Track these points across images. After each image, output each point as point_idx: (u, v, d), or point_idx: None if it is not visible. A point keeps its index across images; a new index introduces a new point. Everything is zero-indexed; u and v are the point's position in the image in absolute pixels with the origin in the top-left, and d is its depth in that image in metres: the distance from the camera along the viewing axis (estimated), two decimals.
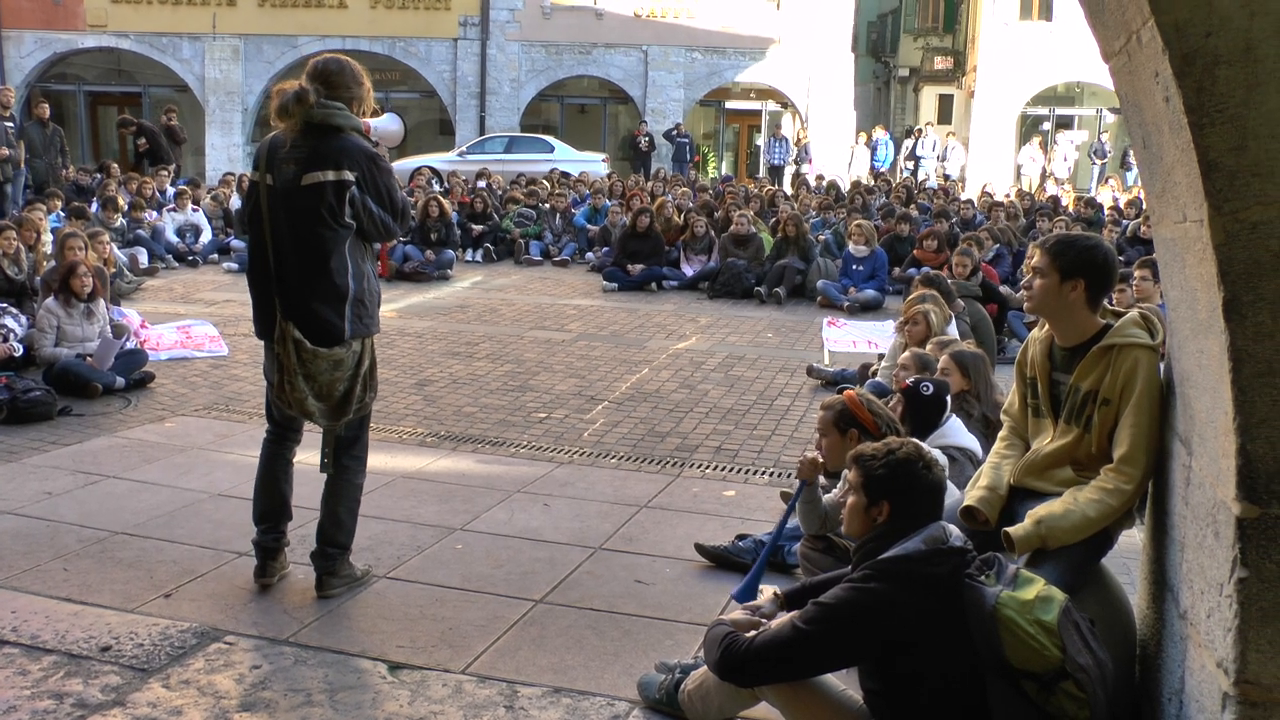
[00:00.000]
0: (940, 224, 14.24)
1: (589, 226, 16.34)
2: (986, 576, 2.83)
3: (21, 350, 8.05)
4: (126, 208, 14.57)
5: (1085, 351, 3.42)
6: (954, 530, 2.96)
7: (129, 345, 8.51)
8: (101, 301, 8.58)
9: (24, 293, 9.26)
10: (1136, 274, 8.14)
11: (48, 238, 11.01)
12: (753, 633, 2.96)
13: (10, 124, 14.60)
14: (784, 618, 2.99)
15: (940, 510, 3.03)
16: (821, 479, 4.42)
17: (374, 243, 4.30)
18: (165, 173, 18.35)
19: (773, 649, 2.89)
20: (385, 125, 4.46)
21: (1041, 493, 3.50)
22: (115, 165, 18.68)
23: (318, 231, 4.05)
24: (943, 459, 3.46)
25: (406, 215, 4.30)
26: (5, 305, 8.47)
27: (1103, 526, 3.32)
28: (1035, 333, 3.69)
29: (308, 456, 4.56)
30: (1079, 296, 3.43)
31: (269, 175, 4.12)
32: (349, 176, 4.04)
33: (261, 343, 4.40)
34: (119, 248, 12.89)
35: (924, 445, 3.20)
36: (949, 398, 4.90)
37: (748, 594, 4.35)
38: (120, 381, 7.84)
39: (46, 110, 16.65)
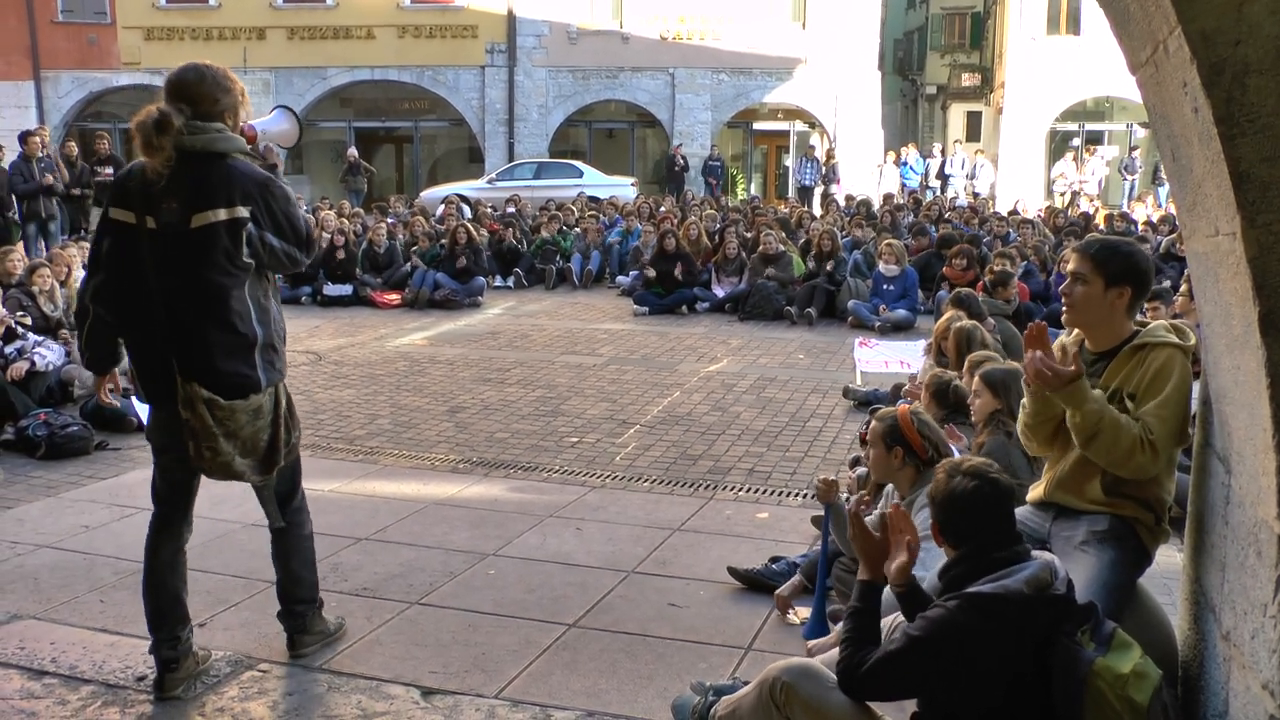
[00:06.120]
0: (967, 245, 14.15)
1: (618, 245, 16.47)
2: (1083, 632, 2.70)
3: (41, 364, 8.14)
4: None
5: (1114, 355, 3.39)
6: (1060, 570, 2.79)
7: None
8: None
9: (60, 329, 9.38)
10: (1183, 288, 8.02)
11: (79, 273, 11.16)
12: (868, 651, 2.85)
13: (42, 163, 14.81)
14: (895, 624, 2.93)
15: (1010, 523, 2.85)
16: (845, 494, 4.37)
17: (276, 274, 3.83)
18: None
19: (882, 662, 2.76)
20: (275, 125, 3.95)
21: (1075, 509, 3.46)
22: None
23: (214, 278, 3.53)
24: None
25: (311, 243, 3.83)
26: (41, 339, 8.59)
27: (1105, 441, 3.21)
28: (1064, 338, 3.65)
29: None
30: (1123, 304, 3.40)
31: (148, 217, 3.53)
32: (243, 213, 3.52)
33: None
34: None
35: (960, 457, 3.10)
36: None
37: (818, 629, 4.25)
38: None
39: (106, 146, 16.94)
